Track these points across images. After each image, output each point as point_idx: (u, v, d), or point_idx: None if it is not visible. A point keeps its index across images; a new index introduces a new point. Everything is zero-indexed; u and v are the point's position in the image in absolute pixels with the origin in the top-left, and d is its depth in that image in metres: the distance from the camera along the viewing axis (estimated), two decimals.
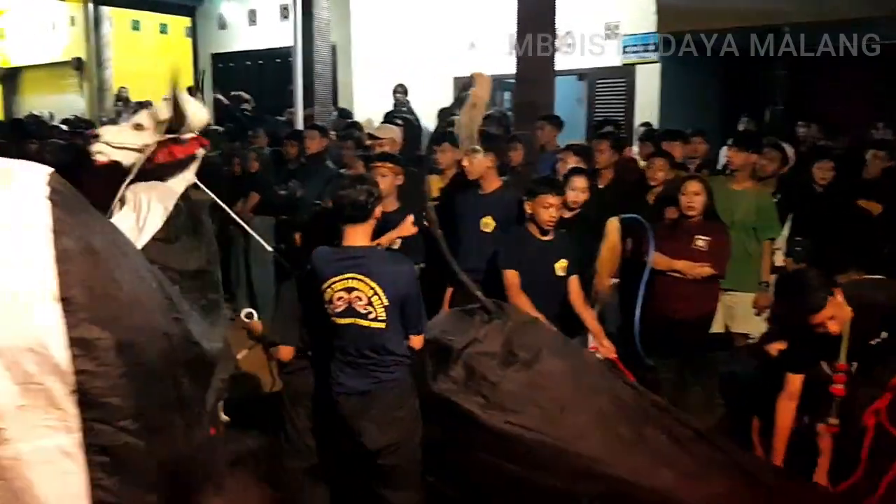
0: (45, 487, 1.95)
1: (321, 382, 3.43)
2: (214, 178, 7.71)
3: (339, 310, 3.20)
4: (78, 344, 1.94)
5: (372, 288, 3.18)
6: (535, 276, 4.16)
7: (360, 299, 3.18)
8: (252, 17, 12.86)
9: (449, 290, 4.60)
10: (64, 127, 12.41)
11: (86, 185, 2.30)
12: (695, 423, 3.34)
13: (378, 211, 3.33)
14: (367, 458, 3.30)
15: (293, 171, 6.91)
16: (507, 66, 7.32)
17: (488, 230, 4.66)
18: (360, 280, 3.18)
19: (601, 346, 4.16)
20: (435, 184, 5.16)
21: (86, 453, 1.98)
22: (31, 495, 1.94)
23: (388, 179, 4.48)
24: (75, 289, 1.95)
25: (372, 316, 3.18)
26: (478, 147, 4.64)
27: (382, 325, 3.20)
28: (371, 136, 6.26)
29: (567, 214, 4.52)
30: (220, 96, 11.39)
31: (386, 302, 3.18)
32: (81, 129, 10.68)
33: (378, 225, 3.42)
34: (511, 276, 4.09)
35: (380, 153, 5.06)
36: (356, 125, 7.94)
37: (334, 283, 3.21)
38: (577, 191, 4.69)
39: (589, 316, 4.28)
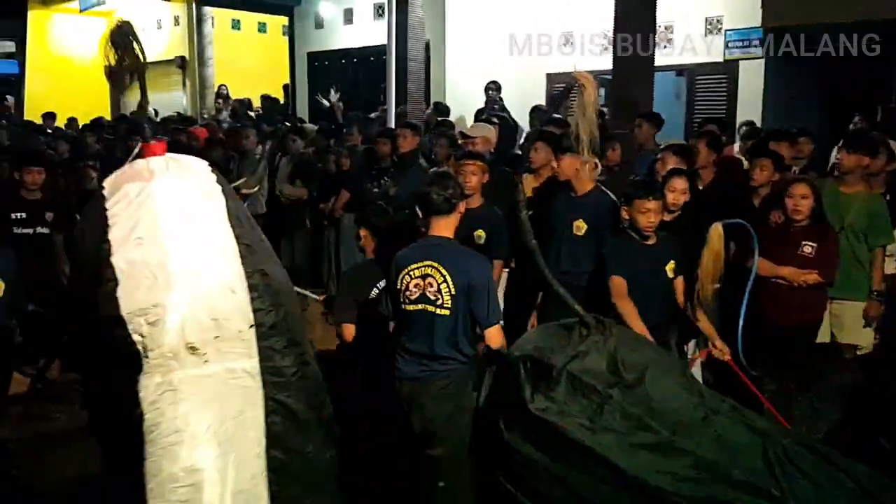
0: (232, 398, 2.53)
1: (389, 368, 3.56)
2: (308, 175, 7.93)
3: (413, 297, 3.36)
4: (252, 288, 2.58)
5: (443, 275, 3.32)
6: (646, 281, 4.05)
7: (432, 286, 3.33)
8: (348, 15, 13.03)
9: (539, 295, 4.52)
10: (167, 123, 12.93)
11: None
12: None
13: (462, 206, 3.49)
14: (417, 444, 3.43)
15: (384, 170, 6.94)
16: (603, 62, 7.16)
17: (580, 233, 4.54)
18: (434, 267, 3.34)
19: (714, 347, 4.07)
20: (529, 183, 5.10)
21: (262, 374, 2.58)
22: (223, 403, 2.51)
23: (474, 177, 4.69)
24: (243, 246, 2.61)
25: (440, 303, 3.32)
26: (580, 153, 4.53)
27: (447, 313, 3.32)
28: (463, 135, 6.25)
29: (667, 217, 4.37)
30: (320, 98, 11.56)
31: (453, 290, 3.30)
32: (184, 126, 11.08)
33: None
34: (618, 283, 3.99)
35: (468, 151, 5.22)
36: (447, 123, 7.92)
37: (413, 269, 3.38)
38: (677, 192, 4.54)
39: (702, 318, 4.14)
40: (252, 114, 14.33)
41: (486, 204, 4.80)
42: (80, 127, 12.03)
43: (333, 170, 7.62)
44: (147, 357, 2.42)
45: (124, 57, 14.63)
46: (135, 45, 14.58)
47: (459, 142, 6.37)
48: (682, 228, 4.50)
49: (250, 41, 16.34)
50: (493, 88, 9.58)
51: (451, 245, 3.46)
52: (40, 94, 16.92)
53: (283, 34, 15.53)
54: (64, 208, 5.98)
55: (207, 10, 15.23)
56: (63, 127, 13.42)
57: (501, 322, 3.45)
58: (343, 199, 7.30)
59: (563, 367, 3.18)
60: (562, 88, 3.86)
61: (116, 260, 2.46)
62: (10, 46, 18.57)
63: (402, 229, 3.99)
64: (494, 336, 3.37)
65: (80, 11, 17.58)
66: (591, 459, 2.97)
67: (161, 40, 16.80)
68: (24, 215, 5.68)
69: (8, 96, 18.73)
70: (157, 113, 15.33)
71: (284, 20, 15.00)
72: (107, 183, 2.70)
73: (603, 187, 4.75)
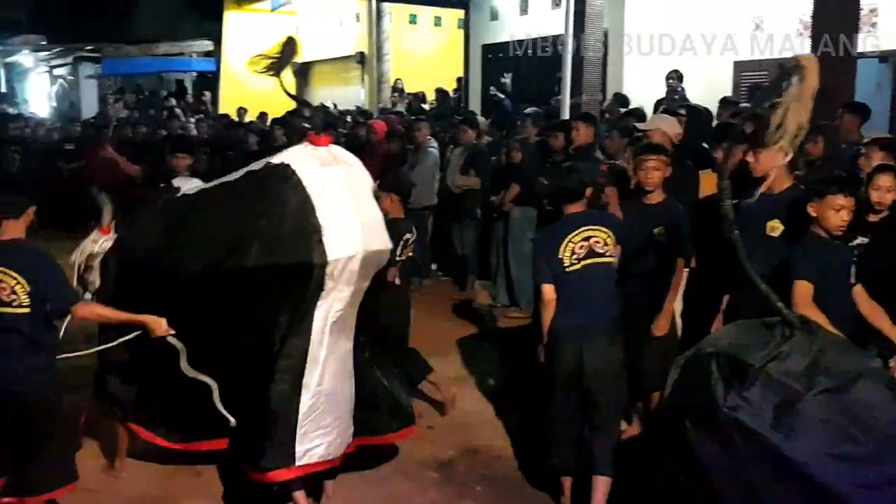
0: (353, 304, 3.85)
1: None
2: (481, 166, 7.93)
3: (579, 256, 3.92)
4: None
5: (605, 232, 3.97)
6: (836, 288, 3.67)
7: (598, 242, 3.95)
8: (524, 6, 12.92)
9: (725, 298, 4.20)
10: (348, 117, 13.42)
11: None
12: None
13: (588, 191, 4.12)
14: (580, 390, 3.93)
15: (557, 163, 6.76)
16: (799, 47, 6.63)
17: (775, 234, 4.15)
18: (595, 229, 3.97)
19: None
20: (710, 180, 4.77)
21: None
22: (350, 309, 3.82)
23: (656, 172, 4.46)
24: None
25: (608, 253, 3.99)
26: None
27: (612, 260, 4.02)
28: (636, 128, 5.99)
29: (873, 217, 3.94)
30: (495, 91, 11.58)
31: (614, 242, 4.00)
32: (363, 120, 11.43)
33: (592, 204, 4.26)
34: (804, 288, 3.62)
35: (647, 144, 4.90)
36: (633, 113, 7.63)
37: (574, 236, 3.94)
38: (882, 190, 4.06)
39: (887, 325, 3.72)
40: (426, 107, 14.60)
41: (668, 200, 4.54)
42: (271, 121, 12.69)
43: (504, 162, 7.56)
44: (325, 281, 3.60)
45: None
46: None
47: (637, 133, 6.10)
48: (892, 229, 4.04)
49: (426, 35, 16.63)
50: (674, 78, 9.16)
51: (596, 211, 4.28)
52: (234, 90, 18.08)
53: (459, 27, 15.68)
54: None
55: (387, 5, 15.65)
56: (255, 120, 14.25)
57: None
58: (512, 192, 7.22)
59: (761, 366, 2.93)
60: (777, 74, 3.55)
61: (320, 217, 3.58)
62: (208, 45, 20.02)
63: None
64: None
65: (272, 10, 18.63)
66: (784, 465, 2.76)
67: (342, 37, 17.45)
68: None
69: (206, 92, 20.22)
70: (336, 107, 15.97)
71: (460, 13, 15.14)
72: (296, 163, 3.72)
73: (802, 184, 4.35)
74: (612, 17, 10.53)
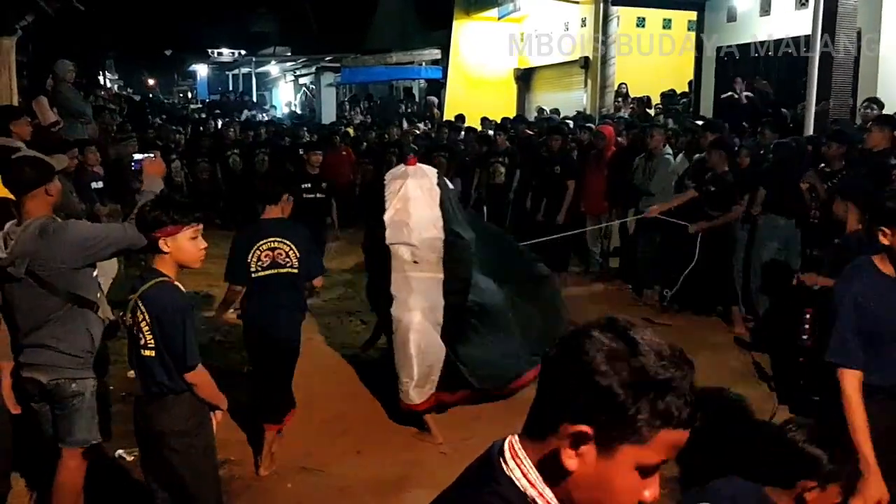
0: (430, 288, 4.99)
1: None
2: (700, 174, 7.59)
3: None
4: (445, 240, 5.00)
5: None
6: None
7: None
8: (765, 6, 12.23)
9: None
10: (570, 123, 13.43)
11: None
12: None
13: None
14: None
15: (836, 173, 6.28)
16: None
17: None
18: None
19: None
20: None
21: (443, 281, 5.05)
22: (426, 291, 4.97)
23: None
24: (444, 217, 5.03)
25: None
26: None
27: None
28: None
29: None
30: (738, 92, 11.07)
31: None
32: (588, 125, 11.40)
33: None
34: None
35: None
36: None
37: None
38: None
39: None
40: (651, 111, 14.25)
41: None
42: (494, 126, 13.02)
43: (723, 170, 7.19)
44: (395, 262, 4.92)
45: None
46: None
47: None
48: None
49: (653, 38, 16.22)
50: None
51: None
52: (459, 96, 18.71)
53: (689, 29, 15.16)
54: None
55: (614, 9, 15.44)
56: (477, 126, 14.68)
57: None
58: (759, 197, 6.91)
59: None
60: None
61: (386, 216, 4.97)
62: (436, 54, 20.85)
63: None
64: None
65: (498, 19, 19.04)
66: None
67: (567, 42, 17.45)
68: (309, 185, 8.06)
69: (432, 97, 21.09)
70: (558, 112, 16.01)
71: (690, 15, 14.64)
72: (388, 174, 5.30)
73: None
74: (866, 16, 9.70)
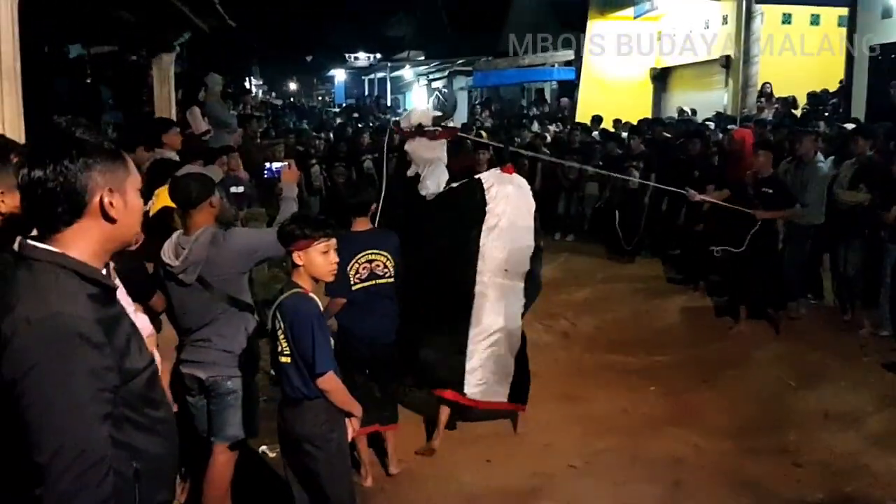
0: (511, 295, 5.13)
1: None
2: (870, 178, 7.13)
3: None
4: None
5: None
6: None
7: None
8: None
9: None
10: (710, 124, 12.99)
11: None
12: None
13: None
14: None
15: None
16: None
17: None
18: None
19: None
20: None
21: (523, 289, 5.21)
22: (508, 298, 5.11)
23: None
24: (536, 227, 5.22)
25: None
26: None
27: None
28: None
29: None
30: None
31: None
32: (728, 126, 10.99)
33: None
34: None
35: None
36: None
37: None
38: None
39: None
40: (797, 113, 13.54)
41: None
42: (628, 129, 12.77)
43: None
44: (484, 264, 5.00)
45: None
46: None
47: None
48: None
49: (800, 35, 15.43)
50: None
51: None
52: (593, 97, 18.44)
53: (839, 25, 14.33)
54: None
55: (758, 6, 14.81)
56: (610, 128, 14.44)
57: None
58: None
59: None
60: None
61: (486, 219, 5.02)
62: (569, 55, 20.64)
63: None
64: None
65: (634, 18, 18.65)
66: None
67: (707, 40, 16.89)
68: None
69: (564, 99, 20.92)
70: (695, 112, 15.50)
71: (841, 11, 13.82)
72: (486, 179, 5.12)
73: None
74: None
